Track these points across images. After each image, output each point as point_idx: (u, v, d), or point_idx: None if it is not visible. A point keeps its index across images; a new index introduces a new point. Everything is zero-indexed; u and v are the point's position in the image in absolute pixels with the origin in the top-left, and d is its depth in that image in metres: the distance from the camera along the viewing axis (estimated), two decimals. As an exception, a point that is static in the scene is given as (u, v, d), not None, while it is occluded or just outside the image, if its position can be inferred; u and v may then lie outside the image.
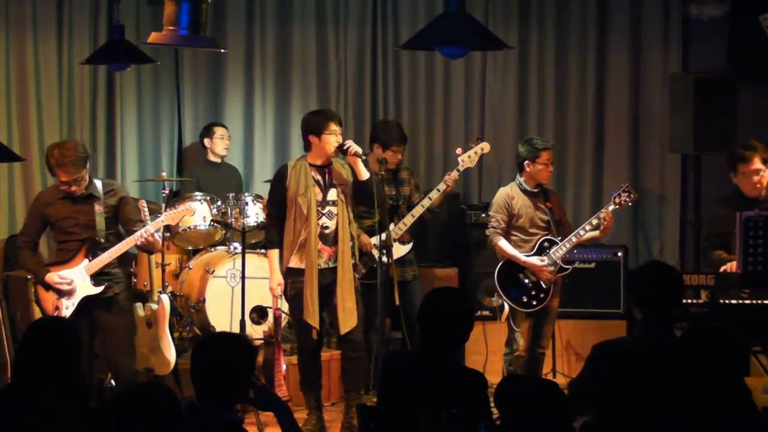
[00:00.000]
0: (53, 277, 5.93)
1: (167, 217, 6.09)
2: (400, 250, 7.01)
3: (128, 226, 6.04)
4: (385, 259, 6.29)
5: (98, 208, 5.95)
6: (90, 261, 5.94)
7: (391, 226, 6.77)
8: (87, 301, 5.96)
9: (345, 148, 6.10)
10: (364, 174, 6.11)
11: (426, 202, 6.90)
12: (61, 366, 3.95)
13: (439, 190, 6.88)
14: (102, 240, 5.95)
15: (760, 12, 6.60)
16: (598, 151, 8.70)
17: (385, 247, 6.30)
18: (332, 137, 6.12)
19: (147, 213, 6.10)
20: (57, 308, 5.95)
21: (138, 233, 5.91)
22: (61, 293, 5.95)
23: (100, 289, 5.95)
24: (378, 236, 6.34)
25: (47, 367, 3.92)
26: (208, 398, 3.63)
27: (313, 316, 6.12)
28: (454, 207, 8.07)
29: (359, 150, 6.12)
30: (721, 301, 5.82)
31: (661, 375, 4.02)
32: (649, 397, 3.98)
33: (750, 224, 5.68)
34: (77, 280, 5.95)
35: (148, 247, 6.05)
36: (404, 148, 7.24)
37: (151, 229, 5.92)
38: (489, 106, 8.74)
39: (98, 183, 6.04)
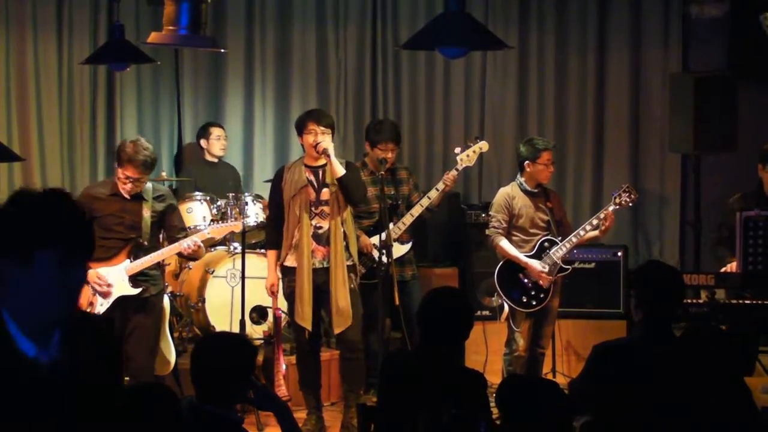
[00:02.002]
0: (92, 275, 5.87)
1: (213, 230, 6.11)
2: (399, 250, 7.00)
3: (171, 233, 6.04)
4: (384, 258, 6.30)
5: (146, 211, 5.92)
6: (132, 262, 5.92)
7: (390, 226, 6.76)
8: (122, 300, 5.94)
9: (316, 147, 6.11)
10: (338, 171, 6.11)
11: (425, 202, 6.89)
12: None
13: (438, 190, 6.87)
14: (146, 243, 5.95)
15: (760, 12, 6.59)
16: (598, 151, 8.70)
17: (385, 246, 6.30)
18: (310, 137, 6.13)
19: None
20: (91, 303, 5.92)
21: (185, 243, 5.90)
22: (97, 291, 5.93)
23: (138, 290, 5.92)
24: (378, 236, 6.36)
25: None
26: (208, 398, 3.63)
27: (302, 317, 6.14)
28: (453, 207, 8.07)
29: (328, 148, 6.09)
30: (721, 301, 5.82)
31: (661, 375, 4.02)
32: (649, 397, 3.98)
33: (750, 224, 5.69)
34: (115, 279, 5.91)
35: (193, 256, 6.08)
36: (395, 147, 7.09)
37: (198, 241, 5.93)
38: (489, 106, 8.75)
39: (148, 185, 6.02)
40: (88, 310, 5.89)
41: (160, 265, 6.20)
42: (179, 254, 6.15)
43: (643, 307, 4.21)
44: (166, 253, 6.00)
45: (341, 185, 6.11)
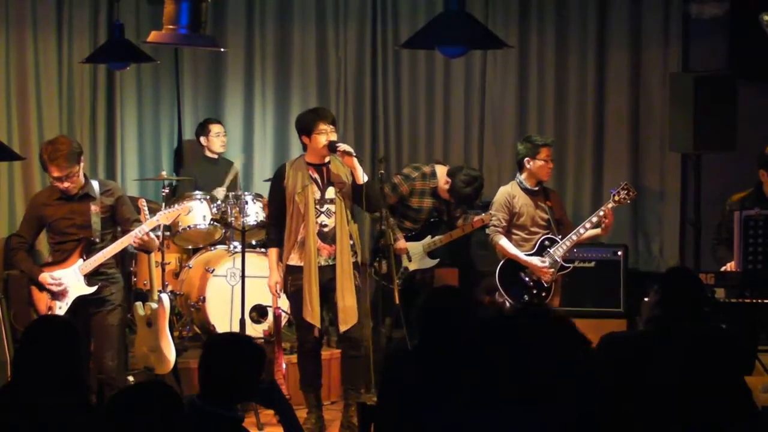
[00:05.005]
0: (46, 277, 5.86)
1: (162, 217, 6.05)
2: (428, 263, 7.58)
3: (125, 225, 6.01)
4: (406, 263, 6.44)
5: (94, 208, 5.89)
6: (84, 261, 5.90)
7: (428, 238, 7.49)
8: (81, 301, 5.91)
9: (336, 147, 6.07)
10: (362, 177, 6.09)
11: (468, 229, 7.48)
12: (61, 364, 3.94)
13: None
14: (97, 240, 5.92)
15: (761, 11, 6.59)
16: (598, 150, 8.70)
17: (385, 247, 6.32)
18: (322, 137, 6.09)
19: (147, 212, 6.08)
20: (50, 309, 5.87)
21: (132, 233, 5.87)
22: (54, 294, 5.89)
23: (93, 288, 5.89)
24: (417, 242, 6.57)
25: (47, 366, 3.91)
26: (214, 398, 3.62)
27: (312, 315, 6.13)
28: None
29: (350, 149, 6.09)
30: (721, 300, 5.82)
31: (661, 374, 4.02)
32: (649, 395, 3.98)
33: (750, 223, 5.69)
34: (71, 280, 5.87)
35: (144, 247, 6.01)
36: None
37: (146, 229, 5.90)
38: (489, 105, 8.75)
39: (95, 183, 5.99)
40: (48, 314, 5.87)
41: (122, 263, 6.16)
42: (135, 248, 6.08)
43: (661, 310, 4.24)
44: (118, 247, 5.94)
45: (363, 192, 6.09)
